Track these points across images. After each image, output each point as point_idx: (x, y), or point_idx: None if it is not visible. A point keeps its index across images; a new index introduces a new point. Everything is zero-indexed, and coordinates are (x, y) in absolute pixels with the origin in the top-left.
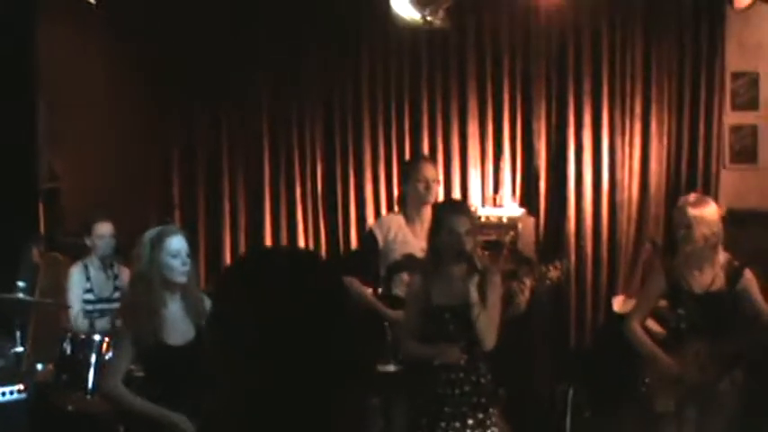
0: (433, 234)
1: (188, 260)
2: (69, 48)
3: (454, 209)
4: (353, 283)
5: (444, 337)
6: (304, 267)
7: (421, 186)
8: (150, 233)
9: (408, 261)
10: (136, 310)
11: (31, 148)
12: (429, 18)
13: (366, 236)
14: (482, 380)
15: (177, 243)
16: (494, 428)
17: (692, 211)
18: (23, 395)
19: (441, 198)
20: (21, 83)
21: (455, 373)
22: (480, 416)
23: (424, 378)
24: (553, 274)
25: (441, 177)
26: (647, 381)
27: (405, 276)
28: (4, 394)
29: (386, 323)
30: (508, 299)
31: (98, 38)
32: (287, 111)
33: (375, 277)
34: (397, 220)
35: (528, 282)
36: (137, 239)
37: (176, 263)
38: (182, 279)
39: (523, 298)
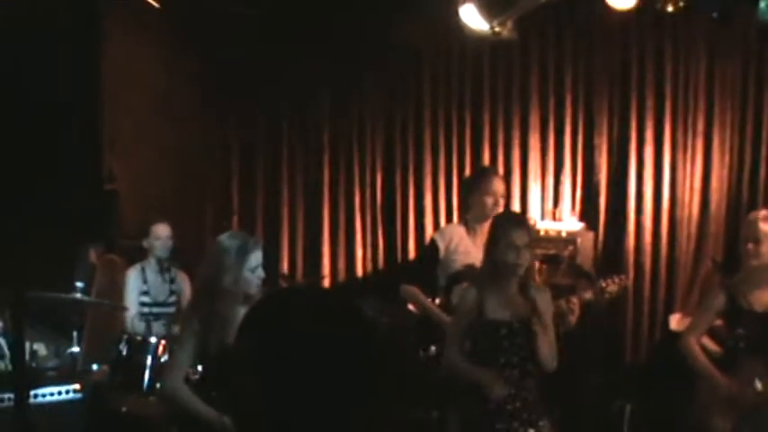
0: (491, 246)
1: (262, 273)
2: (132, 53)
3: (514, 222)
4: (414, 291)
5: (498, 353)
6: (325, 312)
7: (489, 201)
8: (233, 242)
9: (469, 272)
10: (209, 317)
11: (93, 150)
12: (497, 29)
13: (428, 245)
14: (530, 397)
15: (258, 258)
16: None
17: (764, 226)
18: (79, 395)
19: None
20: (86, 85)
21: (507, 389)
22: (531, 431)
23: (475, 395)
24: (612, 288)
25: None
26: (701, 400)
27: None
28: (60, 393)
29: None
30: (558, 318)
31: (161, 44)
32: (348, 119)
33: (434, 287)
34: (458, 231)
35: (576, 300)
36: (210, 243)
37: (254, 277)
38: (254, 291)
39: (573, 317)
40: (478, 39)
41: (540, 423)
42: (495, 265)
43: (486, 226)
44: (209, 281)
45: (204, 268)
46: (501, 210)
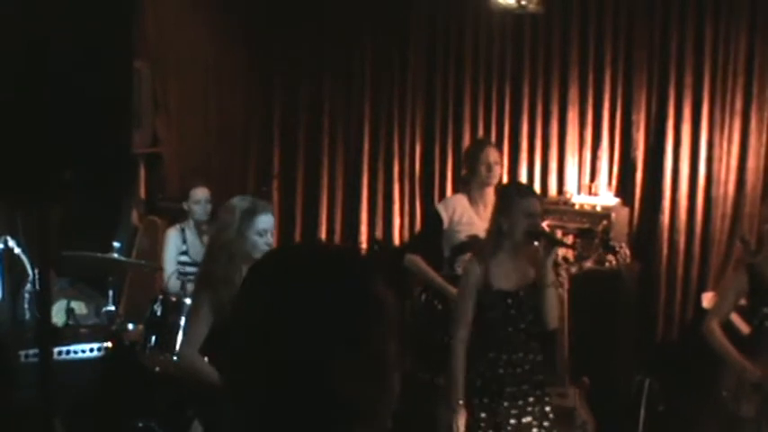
0: (502, 217)
1: (271, 239)
2: (176, 15)
3: (526, 191)
4: (417, 261)
5: (506, 322)
6: (329, 269)
7: (483, 169)
8: (242, 204)
9: (474, 242)
10: (216, 280)
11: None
12: (523, 2)
13: (432, 216)
14: (537, 358)
15: (267, 222)
16: (548, 406)
17: None
18: (112, 353)
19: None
20: (127, 47)
21: (515, 353)
22: (538, 393)
23: (484, 360)
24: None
25: (538, 163)
26: (728, 384)
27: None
28: (92, 350)
29: (450, 302)
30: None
31: (204, 6)
32: (389, 89)
33: (438, 257)
34: (462, 202)
35: (565, 273)
36: (225, 203)
37: (261, 241)
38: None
39: (562, 288)
40: (506, 12)
41: (546, 387)
42: (505, 234)
43: (486, 194)
44: (221, 245)
45: (215, 232)
46: (497, 176)
